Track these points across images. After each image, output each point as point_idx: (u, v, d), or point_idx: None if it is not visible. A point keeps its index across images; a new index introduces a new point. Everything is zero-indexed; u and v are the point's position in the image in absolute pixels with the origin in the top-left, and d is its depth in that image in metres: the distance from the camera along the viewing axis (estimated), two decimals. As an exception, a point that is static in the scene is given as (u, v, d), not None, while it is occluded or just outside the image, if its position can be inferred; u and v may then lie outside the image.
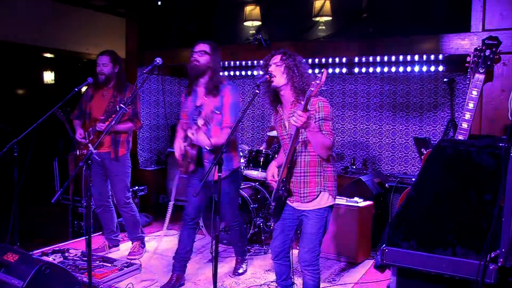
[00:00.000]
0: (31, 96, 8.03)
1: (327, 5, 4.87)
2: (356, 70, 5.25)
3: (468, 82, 3.03)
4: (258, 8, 5.26)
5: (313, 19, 4.98)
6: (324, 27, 4.99)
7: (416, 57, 4.71)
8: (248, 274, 3.81)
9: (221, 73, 3.49)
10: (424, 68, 4.86)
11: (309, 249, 2.67)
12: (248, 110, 4.78)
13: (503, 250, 1.82)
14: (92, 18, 7.18)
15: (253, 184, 4.59)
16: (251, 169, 4.48)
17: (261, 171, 4.42)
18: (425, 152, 3.19)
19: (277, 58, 2.70)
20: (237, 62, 5.70)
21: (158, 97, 6.19)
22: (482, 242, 1.81)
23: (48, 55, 7.12)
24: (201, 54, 3.35)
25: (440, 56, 4.59)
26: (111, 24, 7.37)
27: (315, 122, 2.52)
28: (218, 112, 3.30)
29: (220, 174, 2.53)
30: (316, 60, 5.09)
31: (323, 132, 2.53)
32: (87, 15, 7.11)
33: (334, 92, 5.46)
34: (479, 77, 2.78)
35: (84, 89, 4.10)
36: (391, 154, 5.18)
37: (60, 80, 8.35)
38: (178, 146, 3.45)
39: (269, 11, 5.30)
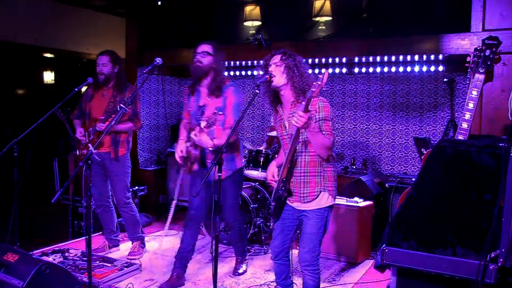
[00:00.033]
0: (31, 96, 8.03)
1: (327, 5, 4.87)
2: (356, 70, 5.25)
3: (468, 82, 3.03)
4: (258, 8, 5.26)
5: (313, 19, 4.98)
6: (324, 27, 4.99)
7: (416, 57, 4.71)
8: (248, 274, 3.81)
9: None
10: (424, 68, 4.86)
11: (309, 249, 2.67)
12: (248, 110, 4.78)
13: (503, 250, 1.82)
14: (92, 18, 7.18)
15: (253, 184, 4.59)
16: (251, 169, 4.48)
17: (261, 171, 4.42)
18: (425, 152, 3.19)
19: (277, 58, 2.70)
20: (237, 62, 5.70)
21: (158, 97, 6.19)
22: (482, 242, 1.81)
23: (48, 55, 7.12)
24: (204, 55, 3.36)
25: (440, 56, 4.59)
26: (111, 24, 7.37)
27: (315, 122, 2.52)
28: (221, 113, 3.31)
29: (220, 174, 2.53)
30: (316, 60, 5.09)
31: (323, 132, 2.53)
32: (87, 15, 7.11)
33: (334, 92, 5.46)
34: (479, 77, 2.78)
35: (84, 89, 4.10)
36: (391, 154, 5.18)
37: (60, 80, 8.35)
38: (179, 148, 3.46)
39: (269, 11, 5.30)
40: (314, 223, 2.67)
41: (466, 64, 2.89)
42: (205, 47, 3.39)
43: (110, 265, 3.75)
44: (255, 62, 5.50)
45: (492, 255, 1.82)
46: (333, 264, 4.06)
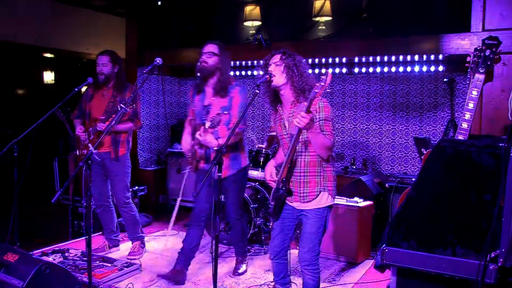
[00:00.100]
0: (31, 96, 8.02)
1: (327, 5, 4.87)
2: (356, 70, 5.25)
3: (468, 82, 3.03)
4: (258, 8, 5.26)
5: (313, 19, 4.98)
6: (324, 27, 4.99)
7: (416, 57, 4.71)
8: (248, 274, 3.81)
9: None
10: (424, 68, 4.86)
11: (308, 249, 2.68)
12: (249, 110, 4.78)
13: (503, 250, 1.82)
14: (92, 18, 7.18)
15: (253, 184, 4.59)
16: (251, 169, 4.48)
17: (261, 171, 4.43)
18: (425, 152, 3.19)
19: (276, 58, 2.70)
20: (237, 62, 5.70)
21: (158, 97, 6.19)
22: (482, 242, 1.81)
23: (48, 55, 7.12)
24: (210, 55, 3.38)
25: (440, 56, 4.59)
26: (111, 24, 7.37)
27: (315, 122, 2.52)
28: (226, 113, 3.34)
29: (220, 174, 2.53)
30: (316, 60, 5.09)
31: (324, 133, 2.54)
32: (87, 15, 7.11)
33: (334, 92, 5.46)
34: (479, 77, 2.79)
35: (84, 89, 4.11)
36: (391, 154, 5.18)
37: (60, 80, 8.35)
38: (186, 142, 3.51)
39: (269, 11, 5.30)
40: (313, 222, 2.67)
41: (466, 64, 2.89)
42: (211, 47, 3.41)
43: (110, 265, 3.75)
44: (255, 62, 5.50)
45: (492, 255, 1.82)
46: (333, 264, 4.06)
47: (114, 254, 4.19)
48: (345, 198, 4.17)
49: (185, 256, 3.57)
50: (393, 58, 4.81)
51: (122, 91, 3.97)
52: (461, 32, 4.03)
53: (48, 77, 8.34)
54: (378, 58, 4.87)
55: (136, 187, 5.25)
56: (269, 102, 2.83)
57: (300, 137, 2.58)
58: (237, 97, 3.38)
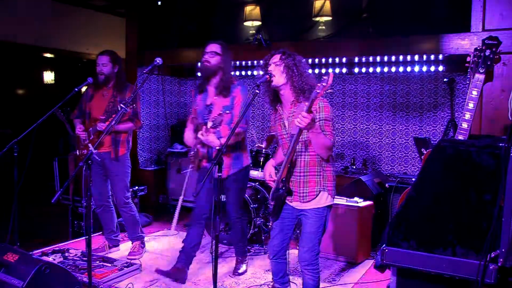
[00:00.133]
0: (31, 96, 8.02)
1: (327, 5, 4.87)
2: (356, 70, 5.25)
3: (468, 82, 3.03)
4: (258, 8, 5.26)
5: (313, 19, 4.98)
6: (324, 27, 4.98)
7: (416, 57, 4.71)
8: (248, 274, 3.81)
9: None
10: (424, 68, 4.86)
11: (308, 248, 2.68)
12: (248, 110, 4.77)
13: (503, 250, 1.82)
14: (92, 18, 7.18)
15: (253, 184, 4.59)
16: (251, 169, 4.48)
17: (261, 171, 4.43)
18: (425, 152, 3.19)
19: (276, 58, 2.70)
20: (237, 62, 5.70)
21: (158, 97, 6.19)
22: (482, 242, 1.81)
23: (48, 55, 7.12)
24: (212, 55, 3.40)
25: (440, 56, 4.59)
26: (111, 24, 7.36)
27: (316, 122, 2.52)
28: (228, 112, 3.35)
29: (220, 174, 2.54)
30: (316, 60, 5.09)
31: (324, 133, 2.54)
32: (87, 15, 7.11)
33: (334, 92, 5.46)
34: (479, 77, 2.79)
35: (84, 89, 4.11)
36: (391, 154, 5.18)
37: (60, 80, 8.35)
38: (188, 137, 3.54)
39: (269, 11, 5.30)
40: (313, 222, 2.67)
41: (466, 64, 2.89)
42: (214, 47, 3.43)
43: (110, 265, 3.75)
44: (255, 62, 5.50)
45: (492, 255, 1.82)
46: (333, 264, 4.06)
47: (114, 254, 4.19)
48: (345, 198, 4.17)
49: (186, 255, 3.58)
50: (393, 58, 4.81)
51: (122, 91, 3.97)
52: (461, 32, 4.03)
53: (48, 77, 8.34)
54: (378, 58, 4.87)
55: (136, 187, 5.25)
56: (269, 102, 2.83)
57: (300, 137, 2.58)
58: (239, 97, 3.40)
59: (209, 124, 3.21)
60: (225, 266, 3.94)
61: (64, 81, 8.21)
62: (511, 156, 1.79)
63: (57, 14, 6.68)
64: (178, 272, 3.54)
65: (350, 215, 4.05)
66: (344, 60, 5.05)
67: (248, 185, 4.60)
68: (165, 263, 3.99)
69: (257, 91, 2.64)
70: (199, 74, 6.33)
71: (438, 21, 4.36)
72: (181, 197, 3.95)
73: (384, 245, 2.08)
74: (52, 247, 4.21)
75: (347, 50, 4.73)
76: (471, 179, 1.94)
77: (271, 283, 3.55)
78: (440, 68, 4.80)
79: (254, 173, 4.51)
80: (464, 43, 4.01)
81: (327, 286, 3.57)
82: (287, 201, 2.75)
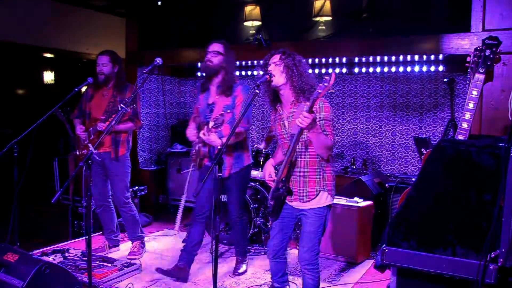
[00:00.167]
0: (31, 96, 8.02)
1: (327, 5, 4.87)
2: (356, 70, 5.25)
3: (468, 82, 3.03)
4: (258, 8, 5.26)
5: (313, 19, 4.98)
6: (324, 27, 4.98)
7: (416, 57, 4.71)
8: (248, 274, 3.81)
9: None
10: (424, 68, 4.86)
11: (308, 248, 2.68)
12: (248, 110, 4.77)
13: (503, 250, 1.82)
14: (92, 18, 7.18)
15: (253, 184, 4.59)
16: (251, 169, 4.48)
17: (261, 171, 4.43)
18: (425, 152, 3.19)
19: (276, 58, 2.70)
20: (237, 62, 5.70)
21: (158, 97, 6.19)
22: (482, 242, 1.81)
23: (48, 55, 7.12)
24: (215, 54, 3.42)
25: (440, 56, 4.58)
26: (111, 24, 7.36)
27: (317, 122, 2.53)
28: (229, 111, 3.37)
29: (220, 174, 2.53)
30: (316, 60, 5.09)
31: (324, 133, 2.54)
32: (87, 15, 7.11)
33: (334, 92, 5.46)
34: (479, 77, 2.78)
35: (84, 89, 4.11)
36: (391, 154, 5.17)
37: (60, 80, 8.35)
38: (191, 133, 3.55)
39: (269, 11, 5.29)
40: (313, 221, 2.68)
41: (466, 64, 2.89)
42: (216, 47, 3.45)
43: (110, 265, 3.75)
44: (255, 62, 5.50)
45: (492, 255, 1.82)
46: (333, 264, 4.06)
47: (114, 254, 4.20)
48: (345, 198, 4.17)
49: (188, 253, 3.59)
50: (393, 58, 4.81)
51: (122, 91, 3.97)
52: (461, 32, 4.03)
53: (48, 77, 8.34)
54: (378, 58, 4.87)
55: (136, 187, 5.26)
56: (268, 101, 2.83)
57: (301, 137, 2.58)
58: (240, 96, 3.42)
59: (211, 123, 3.22)
60: (225, 266, 3.94)
61: (64, 81, 8.20)
62: (511, 156, 1.79)
63: (57, 14, 6.68)
64: (180, 271, 3.55)
65: (350, 215, 4.05)
66: (344, 60, 5.05)
67: (248, 185, 4.61)
68: (165, 263, 3.99)
69: (257, 91, 2.64)
70: (199, 74, 6.33)
71: (438, 21, 4.36)
72: (184, 196, 3.96)
73: (384, 245, 2.08)
74: (52, 247, 4.21)
75: (347, 50, 4.73)
76: (471, 179, 1.94)
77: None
78: (440, 68, 4.80)
79: (254, 173, 4.51)
80: (464, 43, 4.01)
81: (327, 286, 3.57)
82: (287, 201, 2.75)
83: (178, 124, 6.37)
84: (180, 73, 6.45)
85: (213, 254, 2.59)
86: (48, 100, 6.41)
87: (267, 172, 2.80)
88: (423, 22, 4.42)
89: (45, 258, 3.76)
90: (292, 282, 3.56)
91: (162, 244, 4.57)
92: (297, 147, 2.64)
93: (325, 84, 2.34)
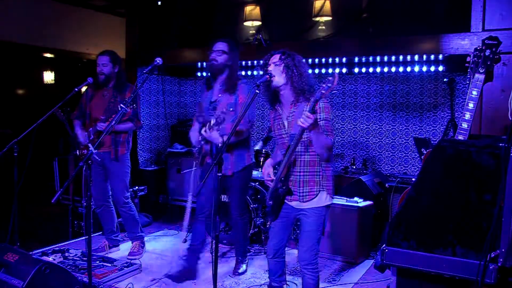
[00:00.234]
0: (31, 96, 8.02)
1: (327, 5, 4.87)
2: (356, 70, 5.24)
3: (468, 82, 3.02)
4: (258, 8, 5.26)
5: (313, 19, 4.98)
6: (324, 27, 4.98)
7: (416, 57, 4.71)
8: (248, 274, 3.81)
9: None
10: (424, 68, 4.86)
11: (308, 248, 2.68)
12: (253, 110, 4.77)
13: (503, 250, 1.82)
14: (92, 18, 7.17)
15: (253, 184, 4.59)
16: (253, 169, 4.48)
17: (261, 171, 4.42)
18: (425, 152, 3.19)
19: (276, 58, 2.70)
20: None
21: (158, 97, 6.19)
22: (482, 242, 1.81)
23: (48, 55, 7.11)
24: (219, 53, 3.45)
25: (440, 56, 4.58)
26: (111, 24, 7.36)
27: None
28: (232, 110, 3.38)
29: (220, 174, 2.54)
30: (316, 60, 5.09)
31: (325, 133, 2.54)
32: (87, 15, 7.10)
33: (334, 92, 5.46)
34: (479, 77, 2.78)
35: (84, 89, 4.11)
36: (391, 154, 5.17)
37: (60, 80, 8.34)
38: (194, 135, 3.57)
39: (269, 11, 5.29)
40: (312, 221, 2.68)
41: (466, 64, 2.89)
42: (221, 45, 3.48)
43: (110, 265, 3.76)
44: (255, 62, 5.50)
45: (492, 255, 1.82)
46: (333, 264, 4.06)
47: (114, 254, 4.20)
48: (345, 198, 4.17)
49: (194, 251, 3.64)
50: (393, 58, 4.80)
51: (122, 91, 3.97)
52: (461, 32, 4.02)
53: (48, 77, 8.33)
54: (378, 58, 4.87)
55: (136, 187, 5.25)
56: (268, 101, 2.83)
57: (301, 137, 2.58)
58: (243, 95, 3.44)
59: (212, 121, 3.24)
60: (225, 266, 3.94)
61: (64, 81, 8.20)
62: (511, 156, 1.79)
63: (57, 14, 6.68)
64: (188, 271, 3.61)
65: (350, 215, 4.05)
66: (344, 60, 5.05)
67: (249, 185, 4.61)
68: (165, 263, 4.00)
69: (257, 91, 2.64)
70: (199, 74, 6.33)
71: (438, 21, 4.36)
72: (190, 195, 3.98)
73: (384, 245, 2.08)
74: (52, 247, 4.21)
75: (347, 50, 4.73)
76: (471, 179, 1.94)
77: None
78: (440, 68, 4.80)
79: (254, 173, 4.50)
80: (464, 43, 4.01)
81: (327, 286, 3.57)
82: (286, 201, 2.75)
83: (178, 124, 6.37)
84: (180, 73, 6.45)
85: (213, 254, 2.59)
86: (48, 100, 6.39)
87: (266, 172, 2.81)
88: (423, 22, 4.42)
89: (45, 258, 3.76)
90: (292, 282, 3.56)
91: (162, 244, 4.57)
92: (297, 147, 2.64)
93: (328, 84, 2.34)
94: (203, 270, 3.86)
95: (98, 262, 3.79)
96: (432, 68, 4.83)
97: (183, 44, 5.74)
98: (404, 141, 5.10)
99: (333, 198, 2.76)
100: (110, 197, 4.19)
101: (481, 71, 2.79)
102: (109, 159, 3.99)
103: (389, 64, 5.05)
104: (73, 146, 4.32)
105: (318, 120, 2.54)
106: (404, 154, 5.10)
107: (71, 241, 4.55)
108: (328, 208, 2.74)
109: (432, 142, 3.22)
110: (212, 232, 3.55)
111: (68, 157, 5.17)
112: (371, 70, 5.17)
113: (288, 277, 3.39)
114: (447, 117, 4.74)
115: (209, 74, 3.62)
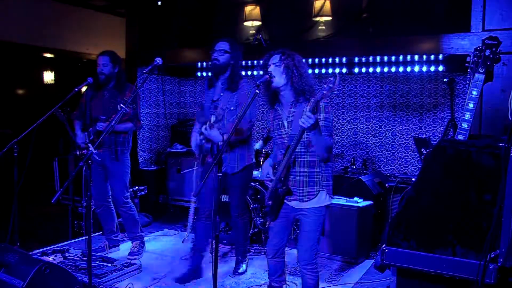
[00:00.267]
0: (31, 96, 8.02)
1: (327, 5, 4.87)
2: (356, 70, 5.24)
3: (468, 82, 3.01)
4: (258, 8, 5.26)
5: (313, 19, 4.98)
6: (324, 27, 4.98)
7: (416, 57, 4.71)
8: (248, 274, 3.81)
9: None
10: (424, 68, 4.86)
11: (307, 248, 2.69)
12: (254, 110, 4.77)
13: (503, 250, 1.82)
14: (92, 18, 7.17)
15: (253, 184, 4.59)
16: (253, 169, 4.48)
17: (261, 171, 4.43)
18: (425, 152, 3.19)
19: (276, 58, 2.70)
20: (237, 62, 5.69)
21: (158, 97, 6.19)
22: (482, 242, 1.81)
23: (48, 55, 7.12)
24: (221, 53, 3.47)
25: (440, 56, 4.58)
26: (111, 24, 7.36)
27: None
28: (233, 108, 3.38)
29: (220, 174, 2.54)
30: (316, 60, 5.09)
31: (324, 133, 2.55)
32: (87, 15, 7.10)
33: (334, 92, 5.45)
34: (479, 77, 2.78)
35: (84, 89, 4.11)
36: (391, 154, 5.17)
37: (60, 80, 8.34)
38: (194, 138, 3.59)
39: (269, 11, 5.30)
40: (312, 221, 2.68)
41: (466, 64, 2.88)
42: (222, 45, 3.50)
43: (110, 265, 3.75)
44: (255, 62, 5.50)
45: (492, 255, 1.82)
46: (333, 264, 4.06)
47: (114, 254, 4.20)
48: (345, 198, 4.17)
49: (199, 251, 3.66)
50: (393, 58, 4.80)
51: (122, 91, 3.97)
52: (461, 32, 4.03)
53: (48, 77, 8.33)
54: (378, 58, 4.87)
55: (136, 187, 5.25)
56: (268, 101, 2.84)
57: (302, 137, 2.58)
58: (244, 94, 3.44)
59: (212, 118, 3.25)
60: (225, 266, 3.94)
61: (64, 81, 8.19)
62: (511, 156, 1.79)
63: (57, 14, 6.68)
64: (195, 271, 3.64)
65: (350, 215, 4.04)
66: (344, 60, 5.05)
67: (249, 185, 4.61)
68: (165, 263, 4.00)
69: (257, 91, 2.64)
70: (199, 74, 6.33)
71: (438, 21, 4.36)
72: (194, 193, 4.00)
73: (384, 245, 2.08)
74: (52, 247, 4.20)
75: (347, 50, 4.73)
76: (471, 179, 1.94)
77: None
78: (440, 68, 4.80)
79: (254, 173, 4.51)
80: (464, 43, 4.01)
81: (327, 286, 3.57)
82: (285, 201, 2.75)
83: (178, 124, 6.37)
84: (180, 73, 6.45)
85: (213, 254, 2.59)
86: (48, 100, 6.40)
87: (265, 172, 2.81)
88: (423, 22, 4.42)
89: (45, 258, 3.76)
90: (292, 282, 3.56)
91: (162, 244, 4.57)
92: (297, 147, 2.64)
93: (330, 85, 2.35)
94: (203, 270, 3.86)
95: (98, 262, 3.79)
96: (432, 68, 4.83)
97: (183, 44, 5.74)
98: (404, 141, 5.10)
99: (332, 198, 2.76)
100: (110, 197, 4.19)
101: (481, 71, 2.78)
102: (109, 159, 3.99)
103: (389, 64, 5.05)
104: (73, 146, 4.32)
105: (318, 120, 2.54)
106: (404, 154, 5.10)
107: (71, 241, 4.55)
108: (327, 208, 2.74)
109: (432, 142, 3.21)
110: (212, 232, 3.56)
111: (68, 157, 5.17)
112: (371, 70, 5.17)
113: (288, 277, 3.40)
114: (447, 117, 4.74)
115: (211, 73, 3.64)
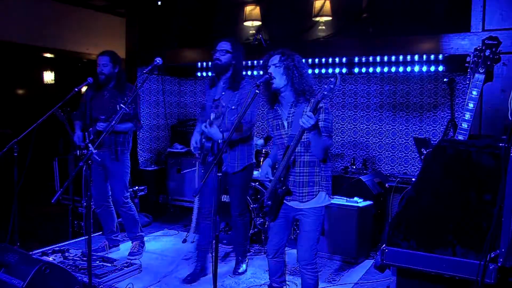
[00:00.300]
0: (31, 96, 8.02)
1: (327, 5, 4.87)
2: (356, 70, 5.24)
3: (468, 82, 3.01)
4: (258, 8, 5.26)
5: (313, 19, 4.98)
6: (324, 27, 4.98)
7: (416, 57, 4.71)
8: (248, 274, 3.81)
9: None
10: (424, 68, 4.86)
11: (307, 248, 2.69)
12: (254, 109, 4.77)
13: (503, 250, 1.82)
14: (92, 18, 7.18)
15: (253, 184, 4.59)
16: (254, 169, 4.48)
17: (260, 171, 4.43)
18: (425, 152, 3.19)
19: (276, 59, 2.70)
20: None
21: (158, 97, 6.19)
22: (482, 242, 1.81)
23: (48, 55, 7.12)
24: (223, 52, 3.48)
25: (440, 56, 4.58)
26: (111, 24, 7.36)
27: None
28: (234, 107, 3.38)
29: (220, 174, 2.54)
30: (316, 60, 5.09)
31: (324, 134, 2.55)
32: (87, 15, 7.10)
33: (334, 92, 5.45)
34: (479, 77, 2.78)
35: (84, 89, 4.11)
36: (391, 154, 5.17)
37: (60, 80, 8.34)
38: (194, 138, 3.61)
39: (269, 11, 5.30)
40: (311, 221, 2.68)
41: (466, 64, 2.88)
42: (224, 45, 3.51)
43: (110, 265, 3.75)
44: (255, 62, 5.50)
45: (492, 255, 1.82)
46: (333, 264, 4.06)
47: (114, 254, 4.20)
48: (345, 198, 4.17)
49: (204, 251, 3.68)
50: (393, 58, 4.80)
51: (122, 91, 3.97)
52: (461, 32, 4.03)
53: (48, 77, 8.33)
54: (378, 58, 4.87)
55: (136, 187, 5.25)
56: (267, 102, 2.84)
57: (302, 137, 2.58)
58: (245, 93, 3.45)
59: (212, 115, 3.25)
60: (225, 266, 3.94)
61: (64, 81, 8.19)
62: (511, 156, 1.79)
63: (57, 14, 6.68)
64: (201, 271, 3.67)
65: (350, 215, 4.04)
66: (344, 60, 5.05)
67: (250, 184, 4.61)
68: (165, 263, 4.00)
69: (257, 91, 2.64)
70: (199, 74, 6.33)
71: (438, 21, 4.36)
72: (196, 190, 4.02)
73: (384, 245, 2.08)
74: (52, 247, 4.21)
75: (347, 50, 4.73)
76: (471, 179, 1.94)
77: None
78: (440, 68, 4.80)
79: (254, 173, 4.50)
80: (464, 43, 4.01)
81: (327, 286, 3.57)
82: (285, 201, 2.75)
83: (178, 124, 6.37)
84: (180, 73, 6.45)
85: (213, 254, 2.59)
86: (48, 100, 6.40)
87: (264, 172, 2.81)
88: (423, 22, 4.42)
89: (45, 258, 3.76)
90: (292, 282, 3.56)
91: (162, 244, 4.57)
92: (297, 148, 2.64)
93: (330, 85, 2.35)
94: (209, 269, 3.86)
95: (98, 262, 3.79)
96: (432, 68, 4.83)
97: (183, 44, 5.74)
98: (404, 141, 5.10)
99: (331, 198, 2.76)
100: (110, 197, 4.19)
101: (481, 71, 2.78)
102: (109, 159, 3.99)
103: (389, 64, 5.05)
104: (73, 146, 4.32)
105: (318, 121, 2.54)
106: (404, 154, 5.10)
107: (71, 241, 4.55)
108: (326, 208, 2.75)
109: (432, 142, 3.21)
110: (212, 232, 3.56)
111: (68, 157, 5.17)
112: (371, 70, 5.17)
113: (288, 277, 3.40)
114: (447, 117, 4.74)
115: (213, 73, 3.65)
